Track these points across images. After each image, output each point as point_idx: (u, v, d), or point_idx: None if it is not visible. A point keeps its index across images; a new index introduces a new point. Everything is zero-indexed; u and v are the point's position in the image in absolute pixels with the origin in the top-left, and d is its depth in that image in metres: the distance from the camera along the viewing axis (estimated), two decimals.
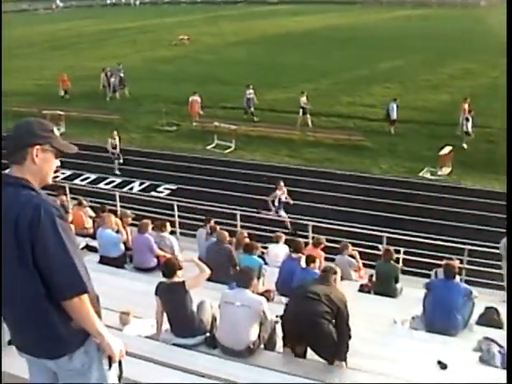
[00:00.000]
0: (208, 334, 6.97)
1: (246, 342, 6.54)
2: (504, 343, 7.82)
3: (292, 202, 17.36)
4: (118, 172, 21.87)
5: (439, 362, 6.96)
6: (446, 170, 21.29)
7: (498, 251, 12.84)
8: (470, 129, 23.62)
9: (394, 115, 25.70)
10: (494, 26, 55.11)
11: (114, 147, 21.89)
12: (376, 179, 20.83)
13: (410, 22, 64.79)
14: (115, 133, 22.17)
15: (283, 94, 32.40)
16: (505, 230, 13.39)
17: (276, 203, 16.84)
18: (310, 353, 6.62)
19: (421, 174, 21.31)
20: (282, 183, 17.09)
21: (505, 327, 9.50)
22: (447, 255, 11.40)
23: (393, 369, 6.60)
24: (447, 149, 21.55)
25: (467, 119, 23.67)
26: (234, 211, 15.68)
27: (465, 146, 23.49)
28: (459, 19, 65.82)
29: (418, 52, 44.95)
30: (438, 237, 15.58)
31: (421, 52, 44.90)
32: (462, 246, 13.47)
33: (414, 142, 24.68)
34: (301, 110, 26.59)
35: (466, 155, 22.47)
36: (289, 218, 16.87)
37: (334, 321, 6.37)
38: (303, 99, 26.57)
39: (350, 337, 6.44)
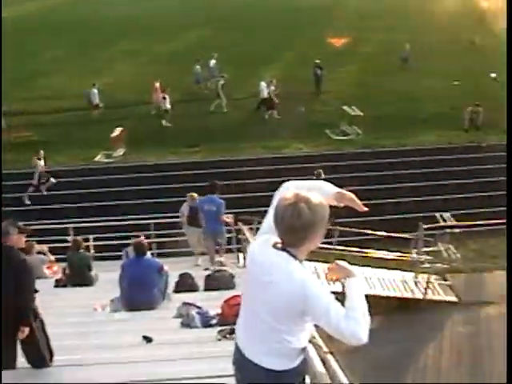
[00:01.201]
0: None
1: None
2: (201, 304, 8.26)
3: None
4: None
5: (144, 337, 7.08)
6: (121, 151, 21.58)
7: (179, 220, 13.48)
8: (168, 106, 24.24)
9: (97, 100, 25.95)
10: None
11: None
12: (54, 171, 20.10)
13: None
14: (42, 152, 19.07)
15: None
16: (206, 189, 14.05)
17: None
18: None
19: (97, 159, 21.28)
20: None
21: (200, 289, 10.08)
22: (135, 233, 11.62)
23: (104, 355, 6.57)
24: (118, 130, 21.80)
25: (164, 98, 24.26)
26: None
27: (165, 123, 24.06)
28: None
29: (77, 40, 43.62)
30: (122, 217, 15.82)
31: (83, 39, 43.67)
32: (147, 222, 13.86)
33: (85, 128, 24.38)
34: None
35: (138, 133, 22.81)
36: None
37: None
38: None
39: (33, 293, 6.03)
